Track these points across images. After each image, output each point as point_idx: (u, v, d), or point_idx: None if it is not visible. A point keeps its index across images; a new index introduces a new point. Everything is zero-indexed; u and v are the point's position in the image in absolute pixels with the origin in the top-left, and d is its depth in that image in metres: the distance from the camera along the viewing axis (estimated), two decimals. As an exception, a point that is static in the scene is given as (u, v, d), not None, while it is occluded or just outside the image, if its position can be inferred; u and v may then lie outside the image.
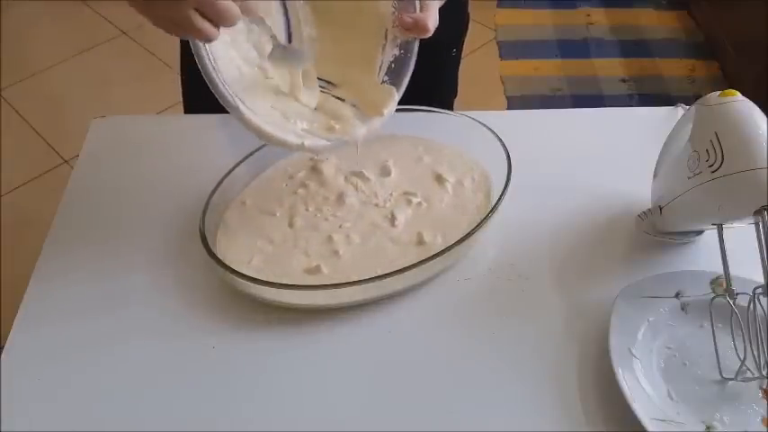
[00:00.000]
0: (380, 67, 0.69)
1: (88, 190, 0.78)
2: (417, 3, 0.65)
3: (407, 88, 0.72)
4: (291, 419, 0.59)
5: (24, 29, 2.46)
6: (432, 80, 0.89)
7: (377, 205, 0.72)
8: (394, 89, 0.68)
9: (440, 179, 0.75)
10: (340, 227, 0.70)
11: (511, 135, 0.73)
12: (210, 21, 0.54)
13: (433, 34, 0.66)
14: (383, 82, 0.68)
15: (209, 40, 0.55)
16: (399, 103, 0.77)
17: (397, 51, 0.68)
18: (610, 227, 0.72)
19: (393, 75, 0.69)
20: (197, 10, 0.52)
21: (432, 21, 0.64)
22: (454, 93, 1.00)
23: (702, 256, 0.68)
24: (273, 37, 0.65)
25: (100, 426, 0.59)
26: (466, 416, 0.58)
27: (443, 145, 0.78)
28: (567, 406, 0.58)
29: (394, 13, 0.66)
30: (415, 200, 0.72)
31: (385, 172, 0.76)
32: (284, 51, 0.66)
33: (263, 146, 0.76)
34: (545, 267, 0.69)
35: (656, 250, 0.69)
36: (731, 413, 0.56)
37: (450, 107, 0.98)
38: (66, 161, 1.96)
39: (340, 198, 0.73)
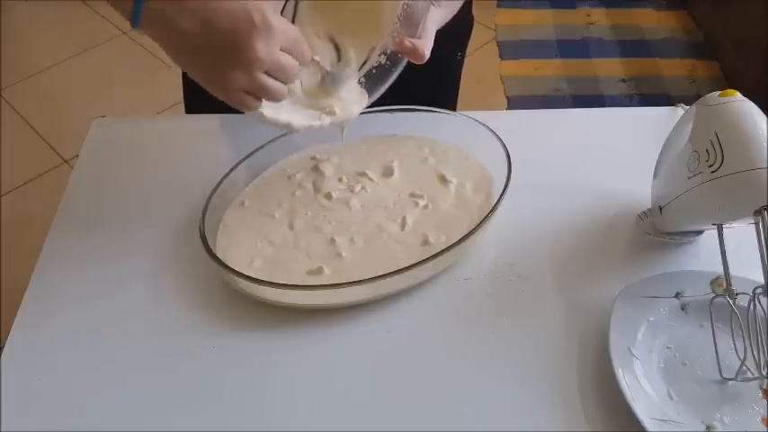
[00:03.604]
0: (362, 67, 0.69)
1: (88, 190, 0.78)
2: (421, 25, 0.65)
3: (411, 89, 0.72)
4: (291, 419, 0.59)
5: (24, 29, 2.46)
6: (436, 82, 0.89)
7: (386, 207, 0.72)
8: (365, 94, 0.68)
9: (443, 180, 0.75)
10: (343, 229, 0.70)
11: (511, 135, 0.73)
12: (278, 80, 0.58)
13: (439, 40, 0.66)
14: (358, 82, 0.69)
15: (280, 99, 0.59)
16: (400, 104, 0.78)
17: (382, 59, 0.68)
18: (610, 227, 0.72)
19: (371, 80, 0.69)
20: (266, 73, 0.57)
21: (429, 48, 0.66)
22: (456, 93, 1.00)
23: (702, 256, 0.68)
24: (322, 68, 0.66)
25: (100, 426, 0.59)
26: (466, 416, 0.58)
27: (448, 146, 0.78)
28: (567, 406, 0.58)
29: (396, 23, 0.67)
30: (422, 202, 0.72)
31: (387, 173, 0.76)
32: (333, 78, 0.67)
33: (263, 146, 0.76)
34: (545, 267, 0.69)
35: (656, 250, 0.69)
36: (731, 413, 0.56)
37: (453, 107, 0.98)
38: (66, 161, 1.96)
39: (341, 200, 0.73)
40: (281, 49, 0.57)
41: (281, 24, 0.56)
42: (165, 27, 0.55)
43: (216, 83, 0.57)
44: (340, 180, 0.75)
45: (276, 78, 0.58)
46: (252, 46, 0.55)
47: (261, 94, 0.58)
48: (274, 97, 0.59)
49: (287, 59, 0.58)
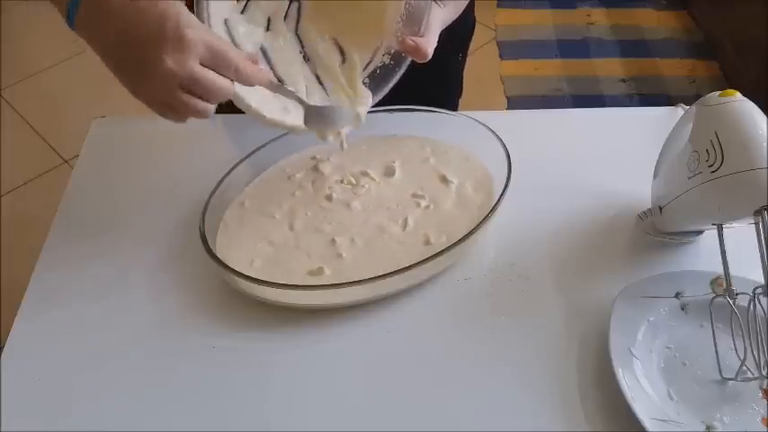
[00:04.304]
0: (366, 67, 0.69)
1: (88, 190, 0.78)
2: (424, 22, 0.65)
3: (413, 90, 0.72)
4: (291, 419, 0.59)
5: (24, 29, 2.46)
6: (438, 83, 0.89)
7: (388, 208, 0.72)
8: (370, 94, 0.68)
9: (444, 180, 0.74)
10: (344, 229, 0.70)
11: (511, 135, 0.73)
12: (203, 99, 0.54)
13: (440, 41, 0.66)
14: (363, 83, 0.69)
15: (204, 117, 0.55)
16: (402, 104, 0.78)
17: (387, 59, 0.68)
18: (610, 227, 0.72)
19: (375, 81, 0.69)
20: (186, 89, 0.52)
21: (432, 47, 0.65)
22: (459, 93, 1.00)
23: (702, 256, 0.68)
24: (300, 99, 0.63)
25: (100, 426, 0.59)
26: (466, 416, 0.58)
27: (449, 146, 0.78)
28: (567, 406, 0.58)
29: (399, 22, 0.66)
30: (423, 203, 0.72)
31: (389, 173, 0.76)
32: (319, 112, 0.64)
33: (263, 146, 0.76)
34: (545, 267, 0.69)
35: (656, 250, 0.69)
36: (731, 413, 0.56)
37: (455, 108, 0.98)
38: (66, 161, 1.96)
39: (341, 200, 0.73)
40: (201, 64, 0.52)
41: (197, 35, 0.50)
42: (93, 34, 0.53)
43: (137, 94, 0.54)
44: (341, 180, 0.75)
45: (198, 95, 0.53)
46: (159, 58, 0.50)
47: (181, 110, 0.54)
48: (196, 116, 0.54)
49: (204, 74, 0.52)
